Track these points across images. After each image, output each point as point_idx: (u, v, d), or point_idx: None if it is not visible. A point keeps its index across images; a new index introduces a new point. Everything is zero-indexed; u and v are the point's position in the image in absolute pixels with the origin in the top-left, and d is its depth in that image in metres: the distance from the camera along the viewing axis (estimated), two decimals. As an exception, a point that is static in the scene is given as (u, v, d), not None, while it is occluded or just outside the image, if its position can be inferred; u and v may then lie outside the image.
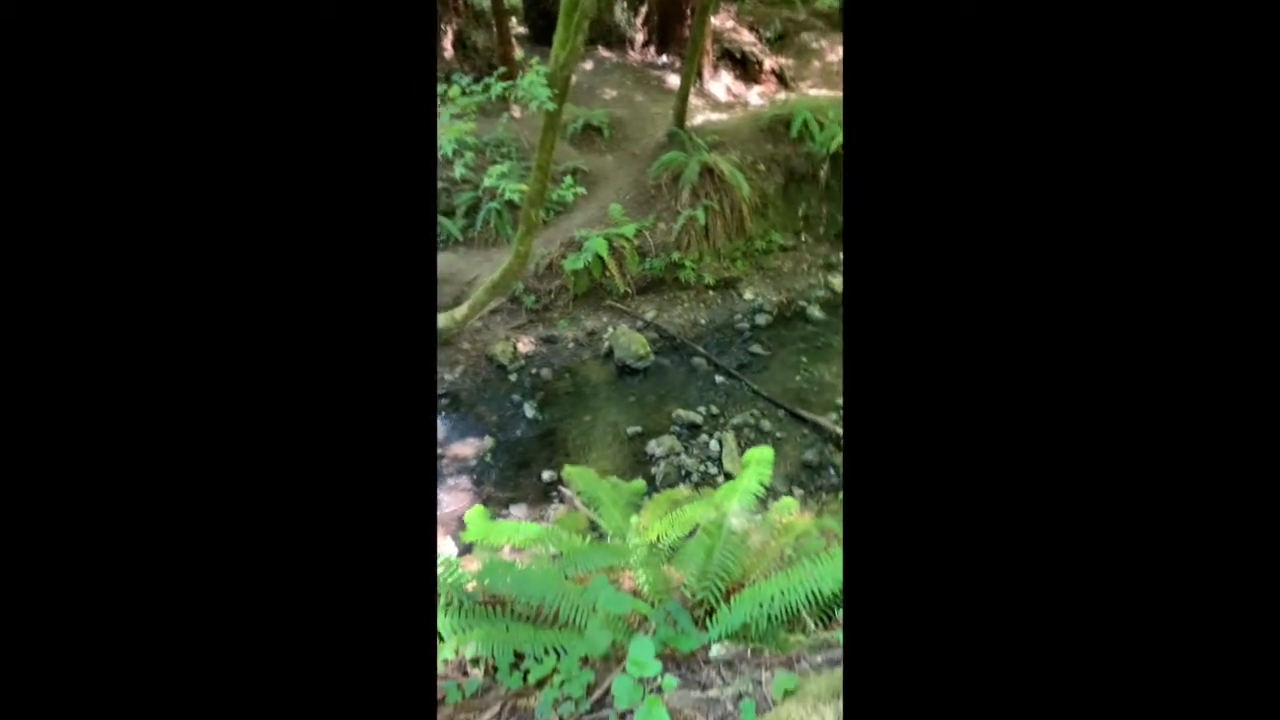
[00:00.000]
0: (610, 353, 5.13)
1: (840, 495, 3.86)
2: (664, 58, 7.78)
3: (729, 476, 3.90)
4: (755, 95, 7.44)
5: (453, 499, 4.04)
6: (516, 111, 6.12)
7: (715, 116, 6.85)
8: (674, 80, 7.12)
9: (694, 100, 6.82)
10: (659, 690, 1.21)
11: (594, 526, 2.67)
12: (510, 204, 5.41)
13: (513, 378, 5.03)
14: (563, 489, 4.06)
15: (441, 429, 4.60)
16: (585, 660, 1.39)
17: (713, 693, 1.24)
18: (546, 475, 4.14)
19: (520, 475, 4.25)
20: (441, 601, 1.80)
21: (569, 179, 5.36)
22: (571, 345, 5.30)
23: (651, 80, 7.55)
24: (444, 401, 4.84)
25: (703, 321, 5.55)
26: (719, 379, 4.95)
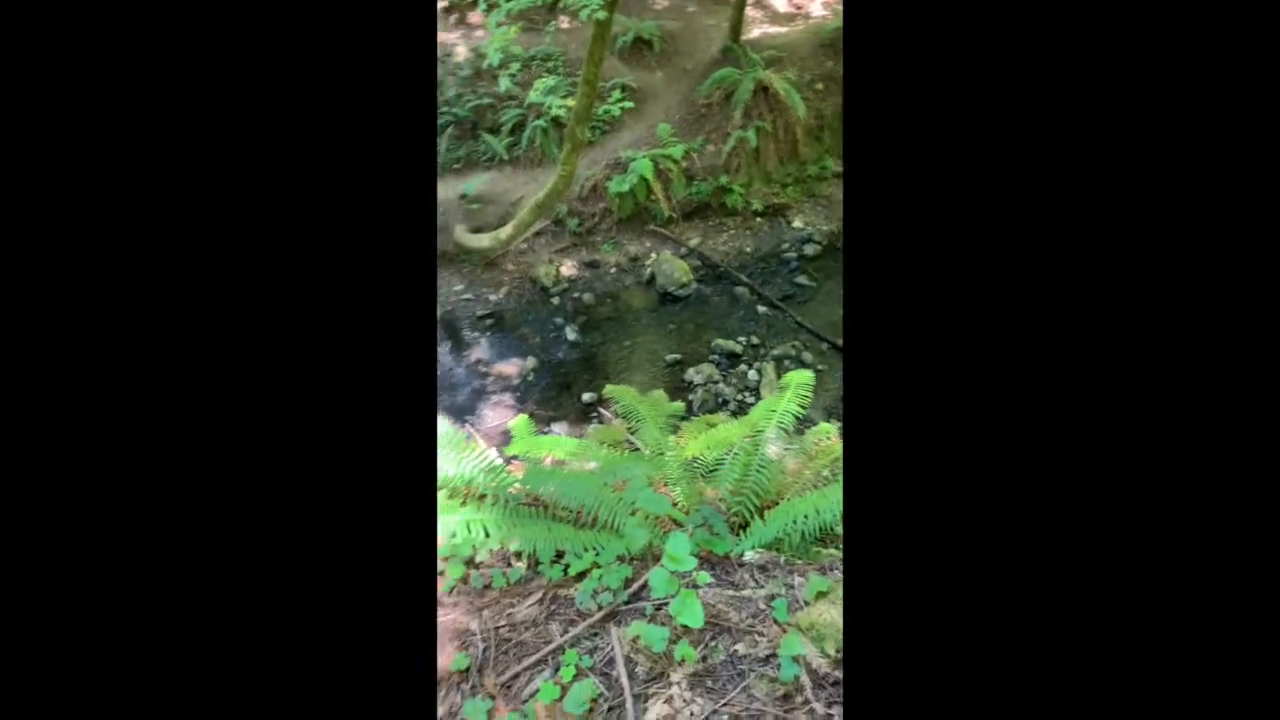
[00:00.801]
0: (652, 279, 5.09)
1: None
2: (721, -36, 7.25)
3: (767, 405, 3.91)
4: (819, 5, 6.92)
5: (496, 414, 4.18)
6: (564, 22, 5.85)
7: (774, 29, 6.41)
8: (731, -11, 6.66)
9: (751, 11, 6.38)
10: (694, 585, 1.27)
11: (630, 444, 2.73)
12: (556, 121, 5.27)
13: (555, 300, 5.06)
14: (602, 410, 4.14)
15: (486, 348, 4.70)
16: (623, 557, 1.45)
17: (745, 592, 1.29)
18: (586, 397, 4.22)
19: (561, 396, 4.35)
20: (488, 501, 1.89)
21: (616, 94, 5.16)
22: (614, 270, 5.27)
23: (706, -11, 7.07)
24: (489, 321, 4.92)
25: (748, 250, 5.42)
26: (762, 309, 4.88)
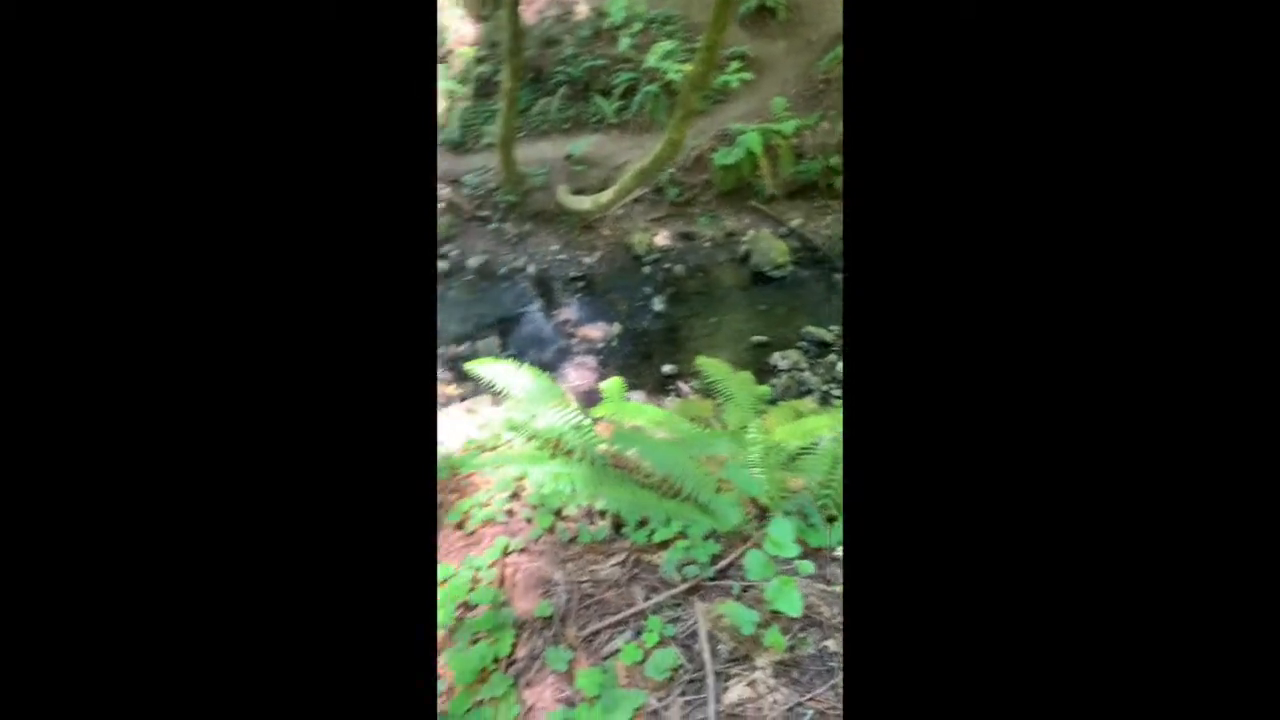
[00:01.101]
0: (747, 257, 4.96)
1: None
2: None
3: (854, 401, 3.74)
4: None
5: (578, 375, 4.25)
6: (687, -15, 5.69)
7: (909, 4, 5.99)
8: (867, -42, 6.24)
9: (887, -17, 5.97)
10: (794, 573, 1.23)
11: (710, 422, 2.69)
12: (668, 87, 5.18)
13: (646, 269, 5.04)
14: (680, 384, 4.12)
15: (574, 309, 4.77)
16: (711, 533, 1.43)
17: (837, 587, 1.24)
18: (667, 368, 4.21)
19: (642, 364, 4.36)
20: (575, 457, 1.91)
21: (735, 64, 5.00)
22: (708, 244, 5.18)
23: (840, -43, 6.68)
24: (579, 283, 4.98)
25: (852, 237, 5.17)
26: (859, 300, 4.66)
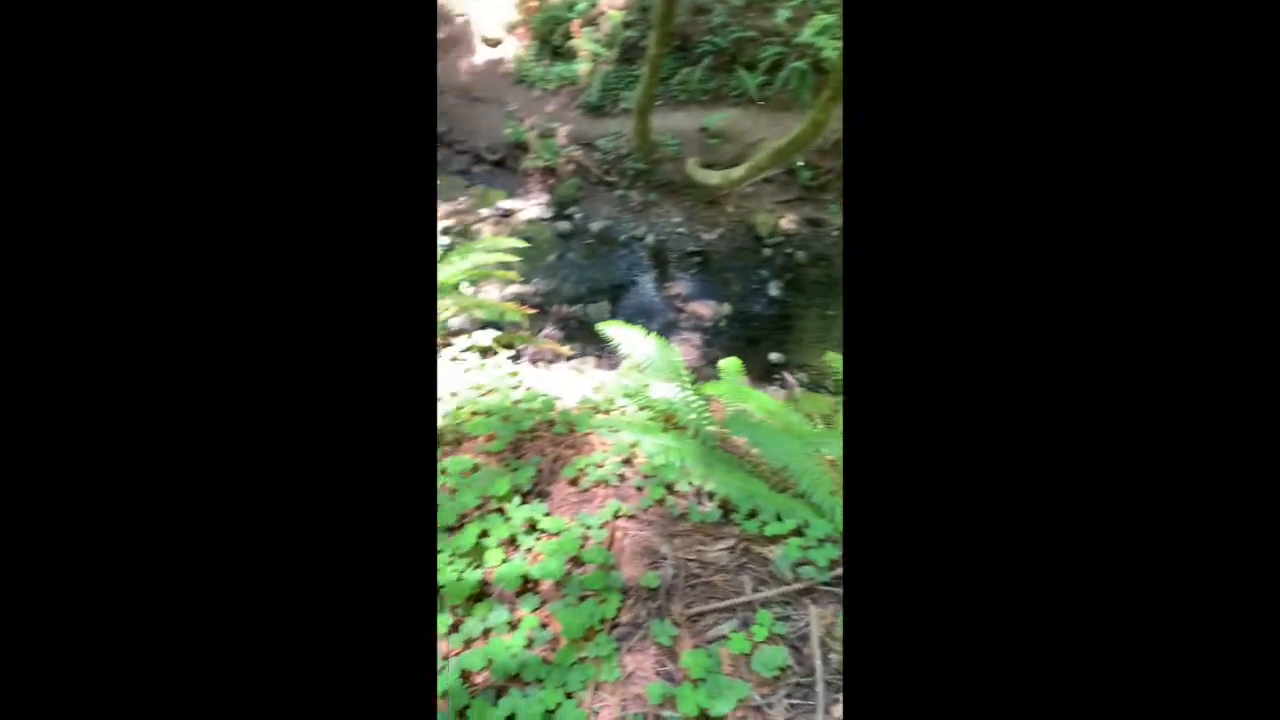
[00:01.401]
0: (877, 253, 4.69)
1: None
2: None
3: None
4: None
5: (682, 351, 4.22)
6: (855, -44, 5.35)
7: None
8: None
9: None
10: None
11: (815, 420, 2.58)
12: (817, 66, 4.92)
13: (766, 252, 4.90)
14: (786, 375, 4.00)
15: (687, 284, 4.72)
16: (829, 537, 1.37)
17: (969, 623, 1.14)
18: (774, 356, 4.09)
19: (748, 349, 4.26)
20: (688, 434, 1.89)
21: (896, 45, 4.66)
22: (836, 232, 4.94)
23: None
24: (696, 259, 4.92)
25: (998, 245, 4.75)
26: (996, 314, 4.30)
